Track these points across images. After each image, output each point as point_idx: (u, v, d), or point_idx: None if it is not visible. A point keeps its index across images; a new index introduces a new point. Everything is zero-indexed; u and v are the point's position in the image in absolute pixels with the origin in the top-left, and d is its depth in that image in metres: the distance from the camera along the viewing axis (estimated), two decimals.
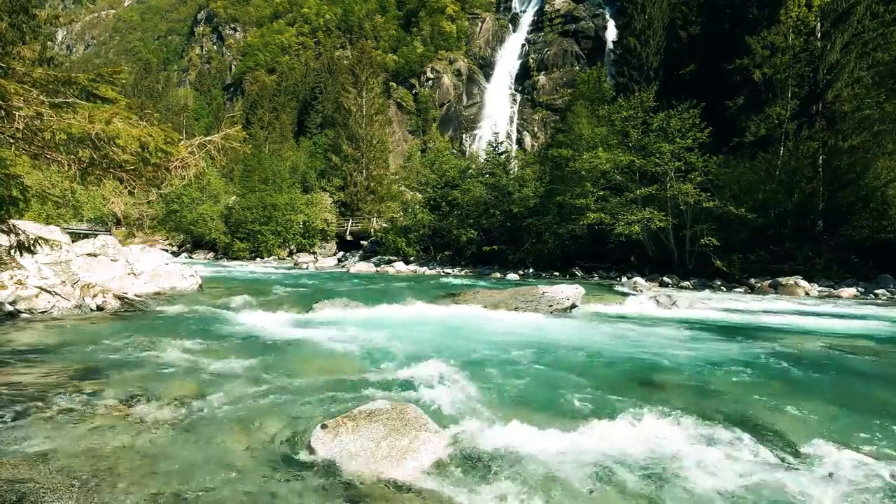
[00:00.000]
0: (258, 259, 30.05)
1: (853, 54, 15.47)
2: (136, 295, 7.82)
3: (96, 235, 10.75)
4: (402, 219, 28.11)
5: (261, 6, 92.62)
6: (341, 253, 31.70)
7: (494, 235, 22.11)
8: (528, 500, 2.14)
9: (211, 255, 32.60)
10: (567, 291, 8.35)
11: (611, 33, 56.70)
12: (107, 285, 7.73)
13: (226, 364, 4.15)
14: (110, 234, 22.08)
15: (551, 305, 8.05)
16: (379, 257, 25.79)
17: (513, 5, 75.23)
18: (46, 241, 4.96)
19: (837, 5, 15.90)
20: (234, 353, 4.60)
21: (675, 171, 15.26)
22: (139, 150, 3.63)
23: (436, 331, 6.23)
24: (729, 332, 6.55)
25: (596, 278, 16.87)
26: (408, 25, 75.33)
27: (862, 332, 6.51)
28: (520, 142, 59.40)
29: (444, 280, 16.26)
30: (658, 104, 17.00)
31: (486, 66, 69.40)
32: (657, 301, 9.22)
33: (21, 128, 3.40)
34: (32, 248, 4.76)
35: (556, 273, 18.45)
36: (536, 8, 70.16)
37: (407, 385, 3.70)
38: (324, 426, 2.59)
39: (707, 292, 12.20)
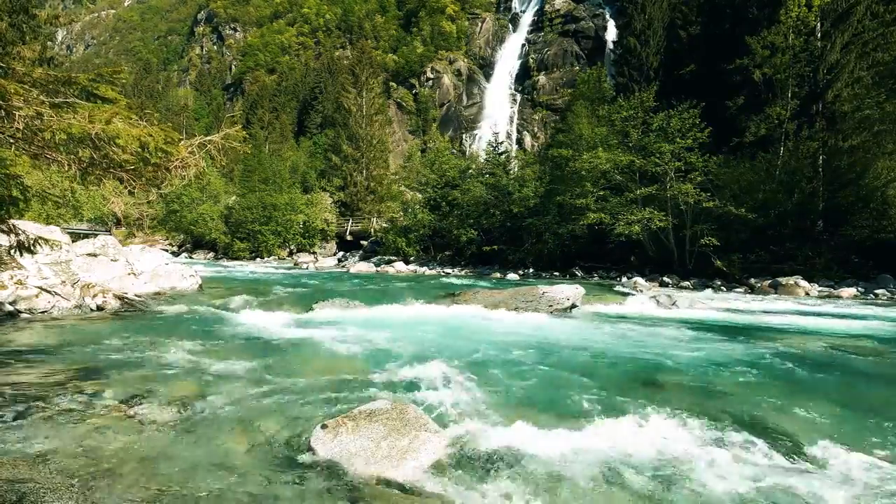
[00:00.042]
0: (258, 259, 30.04)
1: (853, 54, 15.47)
2: (136, 295, 7.82)
3: (96, 235, 10.74)
4: (402, 219, 28.11)
5: (261, 6, 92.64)
6: (341, 253, 31.69)
7: (494, 235, 22.11)
8: (529, 500, 2.13)
9: (211, 255, 32.59)
10: (567, 291, 8.34)
11: (611, 33, 56.69)
12: (107, 285, 7.73)
13: (226, 364, 4.15)
14: (110, 234, 22.07)
15: (551, 305, 8.04)
16: (379, 257, 25.79)
17: (513, 5, 75.24)
18: (46, 241, 4.96)
19: (837, 5, 15.90)
20: (235, 354, 4.60)
21: (675, 171, 15.26)
22: (139, 150, 3.62)
23: (436, 331, 6.23)
24: (730, 332, 6.55)
25: (596, 278, 16.87)
26: (408, 25, 75.34)
27: (864, 333, 6.51)
28: (520, 142, 59.40)
29: (444, 280, 16.25)
30: (658, 104, 16.99)
31: (486, 66, 69.40)
32: (657, 301, 9.22)
33: (21, 128, 3.40)
34: (32, 248, 4.76)
35: (556, 273, 18.44)
36: (536, 8, 70.17)
37: (407, 385, 3.70)
38: (324, 426, 2.59)
39: (707, 292, 12.20)
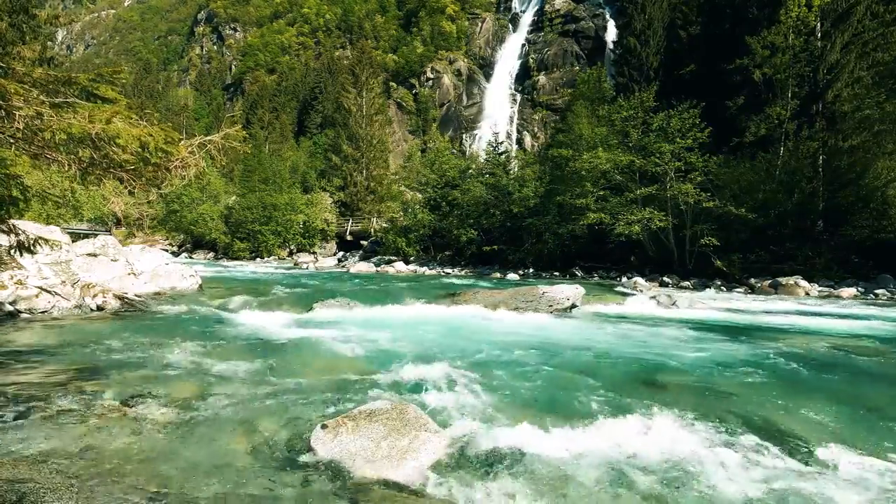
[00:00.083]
0: (258, 259, 30.04)
1: (853, 54, 15.47)
2: (136, 295, 7.81)
3: (96, 235, 10.74)
4: (402, 219, 28.11)
5: (261, 6, 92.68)
6: (341, 253, 31.69)
7: (494, 235, 22.11)
8: (532, 501, 2.12)
9: (211, 255, 32.59)
10: (567, 291, 8.34)
11: (611, 33, 56.73)
12: (107, 285, 7.72)
13: (226, 364, 4.14)
14: (110, 234, 22.06)
15: (551, 305, 8.04)
16: (379, 257, 25.78)
17: (513, 5, 75.29)
18: (46, 241, 4.95)
19: (837, 5, 15.90)
20: (235, 354, 4.59)
21: (675, 171, 15.26)
22: (139, 149, 3.61)
23: (436, 331, 6.22)
24: (731, 332, 6.54)
25: (596, 278, 16.86)
26: (408, 25, 75.38)
27: (865, 333, 6.50)
28: (520, 142, 59.42)
29: (445, 280, 16.25)
30: (658, 104, 17.00)
31: (486, 66, 69.44)
32: (657, 301, 9.22)
33: (21, 128, 3.39)
34: (32, 248, 4.75)
35: (556, 273, 18.44)
36: (536, 8, 70.22)
37: (407, 385, 3.69)
38: (324, 426, 2.59)
39: (707, 292, 12.20)
